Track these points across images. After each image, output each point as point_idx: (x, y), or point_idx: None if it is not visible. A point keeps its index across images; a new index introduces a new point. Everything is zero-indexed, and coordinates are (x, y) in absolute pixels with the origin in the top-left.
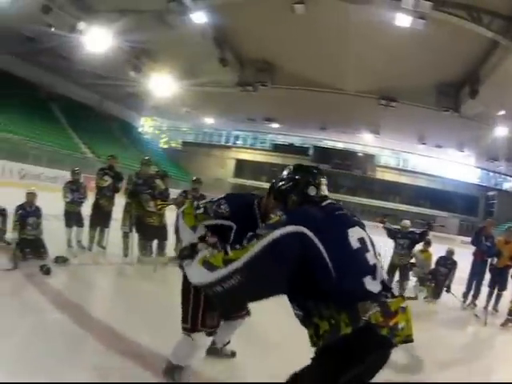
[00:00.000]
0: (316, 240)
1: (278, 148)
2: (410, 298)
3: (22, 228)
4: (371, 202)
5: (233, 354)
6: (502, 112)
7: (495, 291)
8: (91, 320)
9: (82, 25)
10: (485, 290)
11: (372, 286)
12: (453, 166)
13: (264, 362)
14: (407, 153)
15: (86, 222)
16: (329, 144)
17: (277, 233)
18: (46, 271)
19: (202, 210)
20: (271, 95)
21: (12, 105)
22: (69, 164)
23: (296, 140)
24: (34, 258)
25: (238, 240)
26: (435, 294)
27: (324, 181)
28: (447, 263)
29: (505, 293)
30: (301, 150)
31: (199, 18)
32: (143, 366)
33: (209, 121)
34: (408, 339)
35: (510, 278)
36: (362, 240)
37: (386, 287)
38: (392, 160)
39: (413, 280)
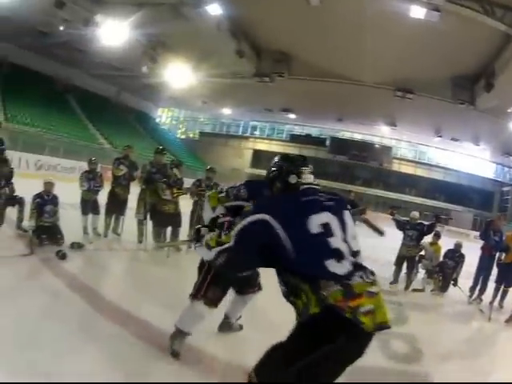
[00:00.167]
0: (277, 225)
1: (295, 139)
2: (417, 290)
3: (39, 216)
4: (387, 194)
5: (241, 327)
6: None
7: (502, 287)
8: (104, 301)
9: (98, 17)
10: (492, 285)
11: (337, 268)
12: (469, 159)
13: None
14: (424, 145)
15: (102, 210)
16: (346, 135)
17: (245, 221)
18: (62, 256)
19: (224, 194)
20: (288, 86)
21: (29, 98)
22: (85, 155)
23: (313, 131)
24: (50, 243)
25: None
26: (442, 287)
27: (307, 169)
28: (455, 256)
29: (511, 289)
30: (318, 141)
31: (214, 9)
32: (152, 344)
33: (226, 111)
34: (383, 326)
35: None
36: (325, 225)
37: (359, 269)
38: (408, 152)
39: (422, 272)
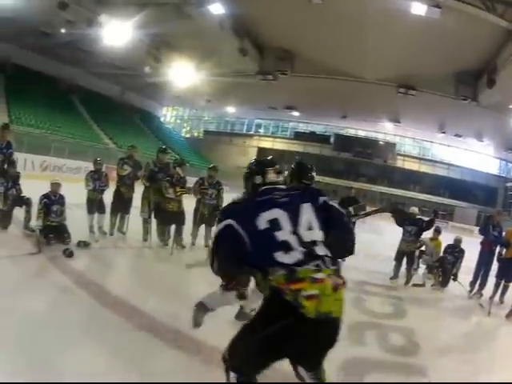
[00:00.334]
0: (238, 227)
1: (299, 136)
2: (417, 285)
3: (47, 215)
4: (391, 191)
5: None
6: None
7: (502, 282)
8: (110, 296)
9: (101, 18)
10: (492, 280)
11: (285, 258)
12: (472, 155)
13: None
14: (427, 142)
15: (108, 209)
16: (350, 132)
17: (217, 228)
18: (69, 254)
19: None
20: (291, 84)
21: (32, 99)
22: (91, 155)
23: (318, 128)
24: (57, 242)
25: None
26: (442, 282)
27: (271, 169)
28: (454, 251)
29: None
30: (322, 138)
31: (217, 8)
32: (157, 336)
33: (230, 110)
34: (328, 316)
35: None
36: (273, 221)
37: (314, 259)
38: (413, 149)
39: (422, 267)
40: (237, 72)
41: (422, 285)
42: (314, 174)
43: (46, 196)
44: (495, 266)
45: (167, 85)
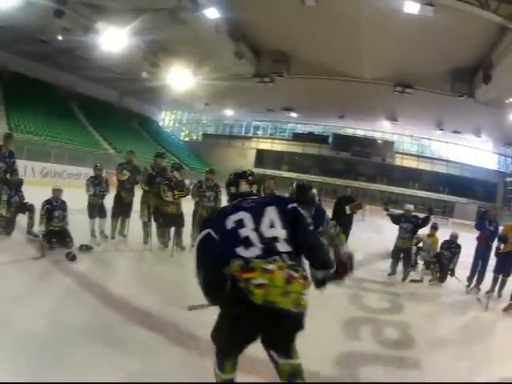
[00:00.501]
0: (213, 233)
1: (297, 137)
2: (415, 281)
3: (49, 221)
4: (390, 189)
5: None
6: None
7: (500, 277)
8: (112, 297)
9: (98, 25)
10: (490, 275)
11: (246, 252)
12: (471, 151)
13: None
14: (426, 139)
15: (109, 214)
16: (348, 132)
17: (198, 238)
18: (72, 258)
19: None
20: (288, 85)
21: (31, 106)
22: (90, 161)
23: (316, 129)
24: (60, 246)
25: None
26: (440, 278)
27: (243, 181)
28: (451, 247)
29: (510, 279)
30: (320, 139)
31: (212, 13)
32: (157, 333)
33: (228, 112)
34: (273, 305)
35: None
36: (238, 221)
37: (273, 254)
38: (411, 146)
39: (420, 263)
40: (234, 75)
41: (420, 281)
42: (313, 193)
43: (48, 202)
44: (493, 260)
45: (165, 89)
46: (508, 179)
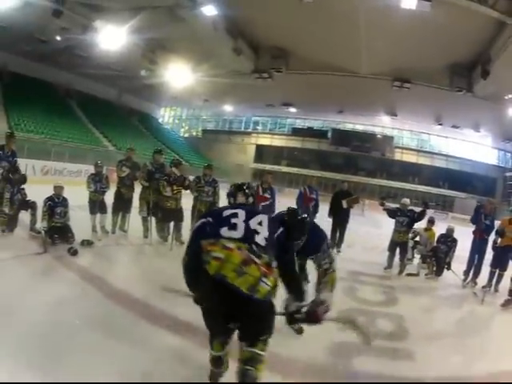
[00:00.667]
0: (210, 219)
1: (297, 132)
2: (411, 275)
3: (51, 217)
4: (390, 184)
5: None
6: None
7: (497, 271)
8: (114, 289)
9: (96, 23)
10: (487, 269)
11: (226, 233)
12: (470, 146)
13: None
14: (425, 134)
15: (109, 209)
16: (348, 127)
17: (194, 226)
18: (74, 252)
19: None
20: (287, 81)
21: (31, 105)
22: (91, 158)
23: (315, 124)
24: (62, 242)
25: None
26: (436, 271)
27: (240, 193)
28: (447, 241)
29: (506, 273)
30: (320, 134)
31: (210, 10)
32: (156, 323)
33: (228, 108)
34: (223, 278)
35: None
36: (233, 213)
37: (246, 239)
38: (410, 141)
39: (417, 257)
40: (232, 71)
41: (416, 274)
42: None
43: (50, 199)
44: (489, 255)
45: (164, 86)
46: (507, 174)
